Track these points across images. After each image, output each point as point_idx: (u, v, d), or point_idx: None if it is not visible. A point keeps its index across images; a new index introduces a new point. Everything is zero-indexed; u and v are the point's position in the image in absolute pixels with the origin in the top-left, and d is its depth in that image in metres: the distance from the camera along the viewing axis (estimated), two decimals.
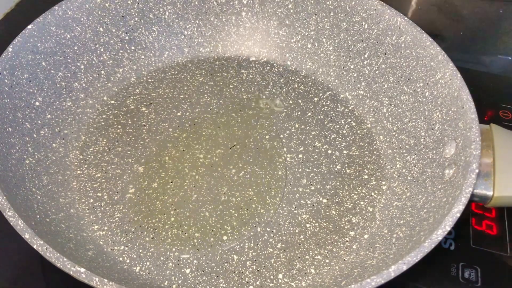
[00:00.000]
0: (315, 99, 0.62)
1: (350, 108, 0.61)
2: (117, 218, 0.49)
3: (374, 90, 0.60)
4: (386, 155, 0.56)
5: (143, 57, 0.63)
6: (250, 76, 0.64)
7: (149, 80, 0.63)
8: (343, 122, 0.60)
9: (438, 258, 0.49)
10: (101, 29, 0.59)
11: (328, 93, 0.63)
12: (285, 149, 0.57)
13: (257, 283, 0.46)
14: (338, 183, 0.54)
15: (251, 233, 0.49)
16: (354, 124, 0.60)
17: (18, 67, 0.50)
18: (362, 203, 0.52)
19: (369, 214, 0.51)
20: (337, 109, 0.61)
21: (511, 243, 0.51)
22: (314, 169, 0.55)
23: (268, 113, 0.60)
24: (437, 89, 0.52)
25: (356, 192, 0.53)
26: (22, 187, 0.45)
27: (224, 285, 0.45)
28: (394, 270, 0.37)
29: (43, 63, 0.53)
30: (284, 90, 0.63)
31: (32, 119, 0.51)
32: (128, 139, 0.56)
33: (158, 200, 0.51)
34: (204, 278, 0.46)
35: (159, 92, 0.61)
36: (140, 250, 0.47)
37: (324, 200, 0.52)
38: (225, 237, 0.49)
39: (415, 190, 0.50)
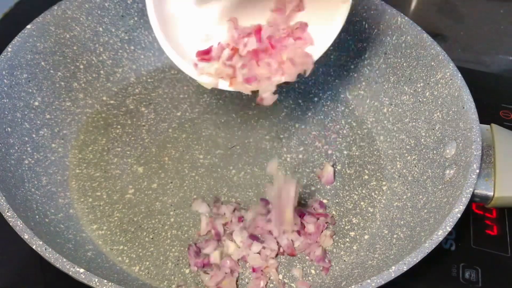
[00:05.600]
0: (315, 99, 0.62)
1: (350, 108, 0.61)
2: (116, 218, 0.49)
3: (375, 90, 0.60)
4: (386, 155, 0.56)
5: (142, 57, 0.63)
6: None
7: (149, 80, 0.63)
8: (343, 122, 0.60)
9: (439, 259, 0.49)
10: (101, 29, 0.59)
11: (328, 93, 0.63)
12: (285, 149, 0.56)
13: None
14: (338, 184, 0.54)
15: None
16: (354, 124, 0.60)
17: (17, 67, 0.50)
18: (362, 203, 0.52)
19: (370, 214, 0.51)
20: (337, 109, 0.61)
21: (511, 244, 0.51)
22: (314, 169, 0.55)
23: (268, 113, 0.60)
24: (437, 89, 0.51)
25: (357, 193, 0.53)
26: (21, 187, 0.45)
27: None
28: (394, 271, 0.37)
29: (42, 63, 0.53)
30: (284, 90, 0.63)
31: (31, 119, 0.51)
32: (127, 139, 0.56)
33: (157, 200, 0.51)
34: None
35: (158, 92, 0.61)
36: (140, 250, 0.47)
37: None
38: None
39: (416, 191, 0.50)
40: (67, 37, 0.56)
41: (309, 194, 0.52)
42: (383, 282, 0.36)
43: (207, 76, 0.45)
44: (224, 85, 0.45)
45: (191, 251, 0.46)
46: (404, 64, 0.56)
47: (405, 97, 0.56)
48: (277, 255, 0.47)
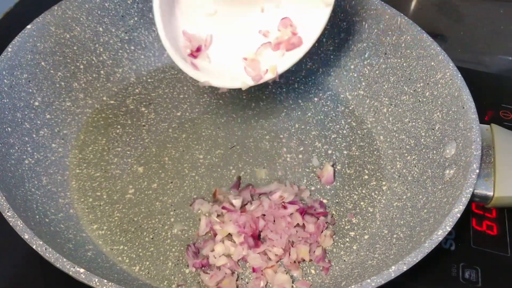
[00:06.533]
0: (315, 99, 0.62)
1: (350, 108, 0.61)
2: (116, 218, 0.49)
3: (375, 90, 0.60)
4: (386, 155, 0.56)
5: (142, 57, 0.63)
6: None
7: (149, 80, 0.63)
8: (343, 122, 0.60)
9: (439, 259, 0.49)
10: (101, 29, 0.59)
11: (328, 93, 0.63)
12: (285, 149, 0.57)
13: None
14: (338, 184, 0.54)
15: None
16: (354, 124, 0.60)
17: (17, 67, 0.50)
18: (362, 203, 0.52)
19: (370, 214, 0.51)
20: (337, 109, 0.61)
21: (511, 244, 0.51)
22: (314, 169, 0.55)
23: (268, 113, 0.60)
24: (437, 89, 0.52)
25: (356, 193, 0.53)
26: (22, 187, 0.45)
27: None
28: (394, 271, 0.37)
29: (43, 63, 0.53)
30: (284, 90, 0.63)
31: (31, 119, 0.51)
32: (127, 139, 0.56)
33: (157, 200, 0.51)
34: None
35: (158, 92, 0.61)
36: (140, 250, 0.47)
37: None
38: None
39: (416, 191, 0.50)
40: (67, 37, 0.56)
41: (309, 194, 0.52)
42: (383, 282, 0.37)
43: (202, 74, 0.48)
44: (216, 82, 0.48)
45: (189, 252, 0.46)
46: (404, 64, 0.56)
47: (405, 97, 0.56)
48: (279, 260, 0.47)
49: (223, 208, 0.49)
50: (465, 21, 0.81)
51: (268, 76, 0.49)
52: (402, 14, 0.55)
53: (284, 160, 0.55)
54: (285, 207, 0.48)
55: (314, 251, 0.47)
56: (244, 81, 0.49)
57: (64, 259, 0.36)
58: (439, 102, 0.51)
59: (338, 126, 0.59)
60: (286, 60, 0.50)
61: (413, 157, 0.53)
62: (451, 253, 0.50)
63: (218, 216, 0.49)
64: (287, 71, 0.65)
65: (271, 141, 0.57)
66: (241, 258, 0.47)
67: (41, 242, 0.37)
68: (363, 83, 0.61)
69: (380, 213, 0.51)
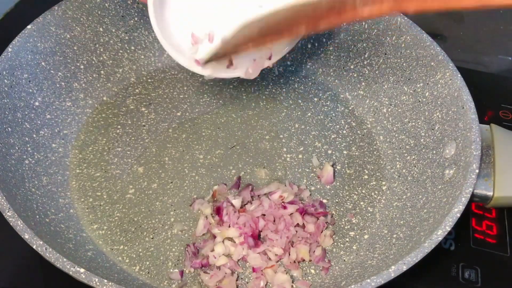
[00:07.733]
0: (315, 99, 0.62)
1: (350, 108, 0.61)
2: (116, 218, 0.49)
3: (374, 90, 0.60)
4: (386, 155, 0.56)
5: (142, 57, 0.63)
6: None
7: (149, 80, 0.63)
8: (343, 122, 0.60)
9: (438, 259, 0.49)
10: (101, 29, 0.59)
11: (328, 93, 0.63)
12: (285, 149, 0.57)
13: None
14: (338, 183, 0.54)
15: None
16: (354, 124, 0.60)
17: (17, 67, 0.50)
18: (362, 203, 0.52)
19: (369, 214, 0.51)
20: (337, 109, 0.61)
21: (511, 244, 0.51)
22: (314, 169, 0.55)
23: (268, 113, 0.60)
24: (437, 89, 0.52)
25: (356, 193, 0.53)
26: (22, 187, 0.45)
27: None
28: (394, 271, 0.37)
29: (43, 63, 0.53)
30: (284, 90, 0.63)
31: (31, 119, 0.51)
32: (127, 139, 0.56)
33: (157, 200, 0.51)
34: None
35: (159, 92, 0.61)
36: (140, 250, 0.47)
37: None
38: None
39: (415, 190, 0.50)
40: (67, 37, 0.56)
41: (309, 194, 0.52)
42: (382, 282, 0.37)
43: (204, 68, 0.49)
44: (220, 73, 0.50)
45: (188, 252, 0.46)
46: (404, 64, 0.56)
47: (404, 97, 0.56)
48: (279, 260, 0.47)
49: (218, 209, 0.49)
50: (465, 21, 0.81)
51: (265, 63, 0.51)
52: (402, 14, 0.55)
53: (284, 160, 0.55)
54: (285, 207, 0.48)
55: (314, 251, 0.47)
56: (245, 70, 0.50)
57: (64, 259, 0.36)
58: (438, 102, 0.51)
59: (338, 126, 0.59)
60: (281, 48, 0.51)
61: (413, 157, 0.53)
62: (450, 253, 0.50)
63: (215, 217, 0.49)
64: (286, 70, 0.65)
65: (271, 141, 0.57)
66: (241, 258, 0.47)
67: (41, 242, 0.37)
68: (363, 83, 0.61)
69: (380, 213, 0.51)
